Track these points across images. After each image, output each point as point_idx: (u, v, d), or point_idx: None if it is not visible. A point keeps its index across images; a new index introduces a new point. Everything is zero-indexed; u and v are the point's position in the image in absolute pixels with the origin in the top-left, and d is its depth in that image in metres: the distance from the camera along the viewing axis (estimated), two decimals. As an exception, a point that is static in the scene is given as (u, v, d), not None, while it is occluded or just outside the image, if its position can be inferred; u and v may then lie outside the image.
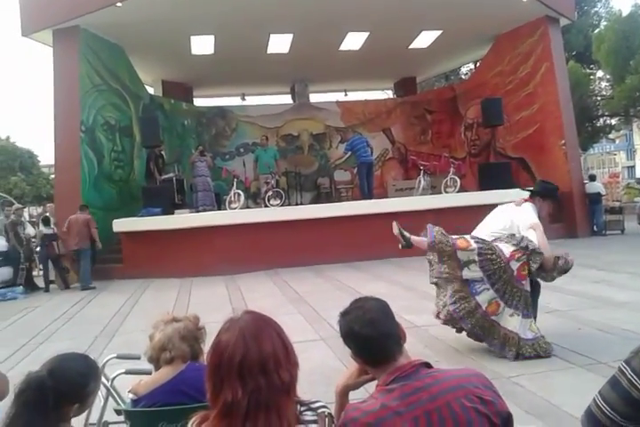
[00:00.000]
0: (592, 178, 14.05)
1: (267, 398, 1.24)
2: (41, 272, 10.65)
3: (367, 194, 11.86)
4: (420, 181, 12.39)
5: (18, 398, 1.57)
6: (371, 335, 1.54)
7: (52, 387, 1.59)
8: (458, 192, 11.78)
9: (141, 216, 10.87)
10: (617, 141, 40.52)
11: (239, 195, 11.09)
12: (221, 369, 1.28)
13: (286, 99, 19.15)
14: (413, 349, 4.33)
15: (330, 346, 4.76)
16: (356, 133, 13.52)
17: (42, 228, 10.36)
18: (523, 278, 4.13)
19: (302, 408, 1.36)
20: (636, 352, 1.30)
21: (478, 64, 18.16)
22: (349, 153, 12.39)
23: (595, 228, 13.10)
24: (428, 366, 1.55)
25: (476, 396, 1.43)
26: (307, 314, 6.28)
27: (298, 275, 9.27)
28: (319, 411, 1.37)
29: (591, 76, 23.97)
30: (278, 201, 11.36)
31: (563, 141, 12.85)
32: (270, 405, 1.25)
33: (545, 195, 4.56)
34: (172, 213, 11.03)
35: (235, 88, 18.25)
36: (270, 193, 11.48)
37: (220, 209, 12.15)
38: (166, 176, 12.22)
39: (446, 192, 11.83)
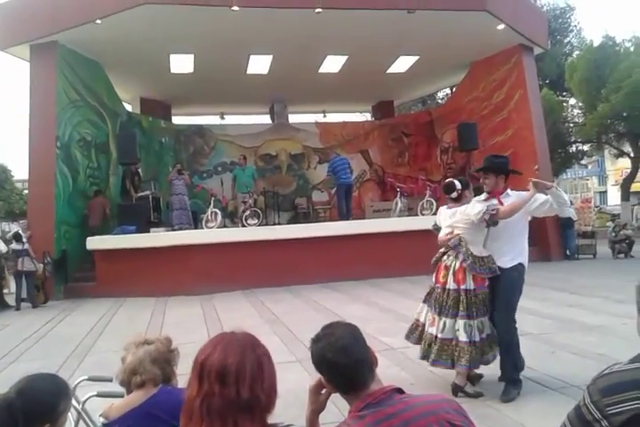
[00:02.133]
0: (565, 203, 14.32)
1: (220, 409, 1.24)
2: (12, 289, 10.40)
3: (345, 214, 11.91)
4: (397, 203, 12.50)
5: None
6: (343, 363, 1.53)
7: (21, 408, 1.56)
8: (434, 214, 11.88)
9: (116, 234, 10.73)
10: (589, 167, 41.45)
11: (216, 214, 11.03)
12: (192, 367, 1.33)
13: (265, 119, 19.28)
14: (389, 371, 4.35)
15: (305, 368, 4.71)
16: (337, 155, 13.62)
17: (13, 244, 10.15)
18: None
19: None
20: (595, 378, 1.33)
21: (454, 89, 18.54)
22: (332, 175, 12.47)
23: (567, 252, 13.30)
24: (399, 391, 1.54)
25: (448, 422, 1.43)
26: (283, 335, 6.21)
27: (275, 295, 9.21)
28: None
29: (564, 104, 24.65)
30: (256, 220, 11.32)
31: (536, 166, 13.11)
32: (226, 417, 1.24)
33: (497, 170, 4.11)
34: (148, 232, 10.91)
35: (214, 107, 18.31)
36: (248, 212, 11.44)
37: (196, 228, 12.06)
38: (142, 194, 12.12)
39: (422, 214, 11.93)
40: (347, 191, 12.22)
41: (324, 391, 1.65)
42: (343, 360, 1.53)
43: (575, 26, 26.47)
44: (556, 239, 13.11)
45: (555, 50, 22.81)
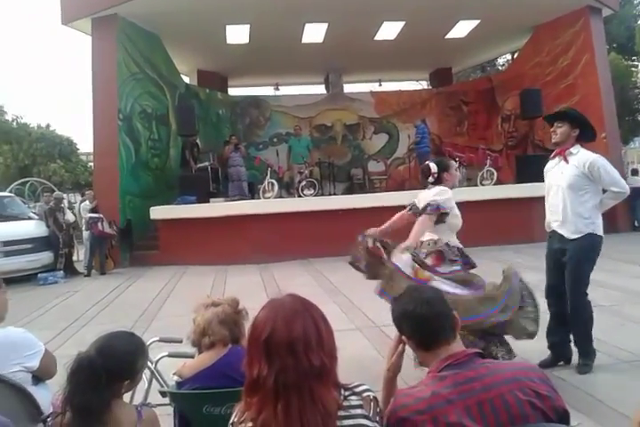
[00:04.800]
0: (634, 172, 13.70)
1: (295, 380, 1.25)
2: (80, 258, 10.87)
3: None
4: (456, 173, 12.23)
5: (71, 378, 1.62)
6: (426, 314, 1.54)
7: (102, 365, 1.63)
8: (494, 185, 11.61)
9: (177, 204, 11.02)
10: (659, 135, 39.24)
11: (273, 184, 11.12)
12: (251, 346, 1.32)
13: (320, 89, 19.11)
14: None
15: (365, 335, 4.76)
16: (422, 122, 13.76)
17: (91, 213, 10.58)
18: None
19: (346, 393, 1.35)
20: None
21: (516, 55, 17.77)
22: (419, 138, 12.64)
23: (636, 223, 12.78)
24: (481, 356, 1.53)
25: (532, 389, 1.41)
26: (342, 304, 6.27)
27: (332, 265, 9.24)
28: (364, 395, 1.36)
29: (633, 69, 23.33)
30: (312, 191, 11.35)
31: (604, 134, 12.49)
32: (302, 387, 1.25)
33: (574, 119, 3.77)
34: (207, 202, 11.14)
35: (269, 78, 18.27)
36: (304, 183, 11.48)
37: (253, 198, 12.23)
38: (201, 165, 12.34)
39: (483, 185, 11.66)
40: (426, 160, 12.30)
41: (398, 352, 1.66)
42: (426, 311, 1.54)
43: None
44: (624, 210, 12.54)
45: (624, 11, 21.44)
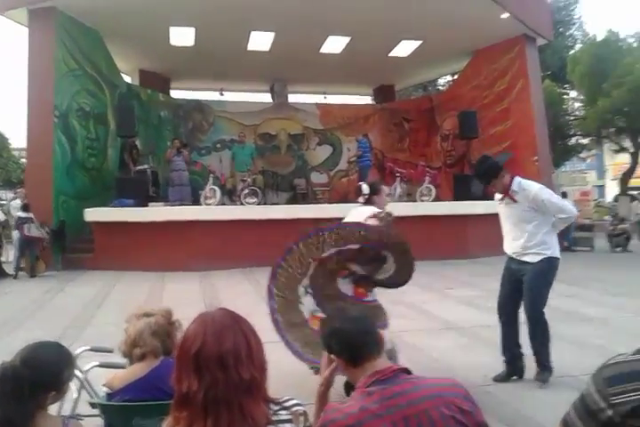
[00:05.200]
0: (564, 195, 14.39)
1: (225, 394, 1.25)
2: (10, 258, 10.39)
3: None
4: (395, 188, 12.50)
5: None
6: (351, 330, 1.61)
7: (27, 376, 1.58)
8: (433, 201, 11.94)
9: (114, 207, 10.70)
10: (588, 160, 41.43)
11: (215, 191, 11.01)
12: (181, 360, 1.30)
13: (265, 97, 19.12)
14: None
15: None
16: (363, 136, 14.05)
17: (20, 212, 10.15)
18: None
19: (276, 407, 1.36)
20: (600, 368, 1.36)
21: (456, 76, 18.43)
22: (360, 152, 12.85)
23: (565, 243, 13.41)
24: (407, 372, 1.58)
25: (456, 405, 1.46)
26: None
27: (271, 274, 9.23)
28: (293, 409, 1.37)
29: (565, 96, 24.59)
30: (254, 199, 11.32)
31: (535, 157, 13.13)
32: (232, 402, 1.25)
33: (493, 173, 3.96)
34: (146, 206, 10.87)
35: (213, 82, 18.07)
36: (246, 191, 11.44)
37: (195, 204, 12.05)
38: (140, 167, 12.04)
39: (421, 200, 11.96)
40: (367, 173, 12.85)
41: (331, 367, 1.71)
42: (352, 328, 1.62)
43: (578, 19, 26.43)
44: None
45: (557, 42, 22.63)
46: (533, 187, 3.93)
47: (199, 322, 1.34)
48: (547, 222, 3.95)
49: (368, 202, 4.03)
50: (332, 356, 1.68)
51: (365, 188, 4.04)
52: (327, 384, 1.77)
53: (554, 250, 3.97)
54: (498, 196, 4.14)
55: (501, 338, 4.12)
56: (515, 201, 3.94)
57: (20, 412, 1.54)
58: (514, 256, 4.08)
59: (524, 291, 3.97)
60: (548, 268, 3.93)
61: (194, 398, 1.25)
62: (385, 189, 4.20)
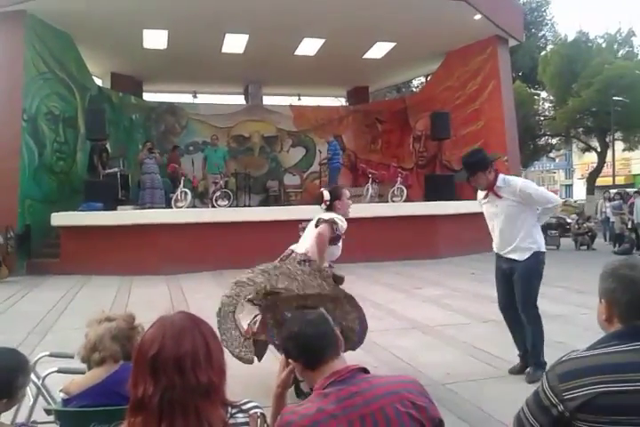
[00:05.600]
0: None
1: (182, 398, 1.24)
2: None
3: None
4: (368, 189, 12.57)
5: None
6: (309, 333, 1.60)
7: None
8: (404, 202, 12.02)
9: (82, 210, 10.55)
10: (557, 160, 42.26)
11: (186, 193, 10.93)
12: (137, 364, 1.29)
13: (239, 99, 19.05)
14: (353, 354, 4.40)
15: (270, 350, 4.74)
16: (334, 138, 14.13)
17: None
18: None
19: (233, 410, 1.35)
20: (554, 365, 1.38)
21: (429, 78, 18.60)
22: (330, 154, 12.98)
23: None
24: (364, 371, 1.58)
25: (410, 401, 1.47)
26: (248, 317, 6.23)
27: (242, 277, 9.19)
28: (251, 412, 1.37)
29: (535, 97, 25.00)
30: (226, 202, 11.27)
31: (505, 158, 13.32)
32: (187, 406, 1.24)
33: (480, 167, 4.02)
34: (115, 209, 10.75)
35: (187, 85, 18.01)
36: (218, 193, 11.38)
37: (166, 207, 11.94)
38: (110, 171, 11.90)
39: (393, 201, 12.04)
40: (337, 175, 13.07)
41: (288, 368, 1.70)
42: (309, 331, 1.60)
43: (550, 20, 26.85)
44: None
45: (529, 43, 23.06)
46: (518, 181, 4.05)
47: (158, 325, 1.32)
48: (532, 216, 4.05)
49: (330, 208, 4.06)
50: (290, 361, 1.68)
51: (326, 194, 4.07)
52: (284, 386, 1.76)
53: (540, 244, 4.08)
54: (481, 194, 4.21)
55: (512, 334, 4.25)
56: (499, 197, 4.00)
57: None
58: (502, 254, 4.15)
59: (516, 288, 4.06)
60: (536, 262, 4.03)
61: (149, 402, 1.23)
62: (346, 192, 4.21)
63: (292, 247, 4.12)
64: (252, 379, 3.60)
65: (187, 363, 1.25)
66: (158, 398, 1.23)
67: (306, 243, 4.03)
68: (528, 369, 4.07)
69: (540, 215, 4.11)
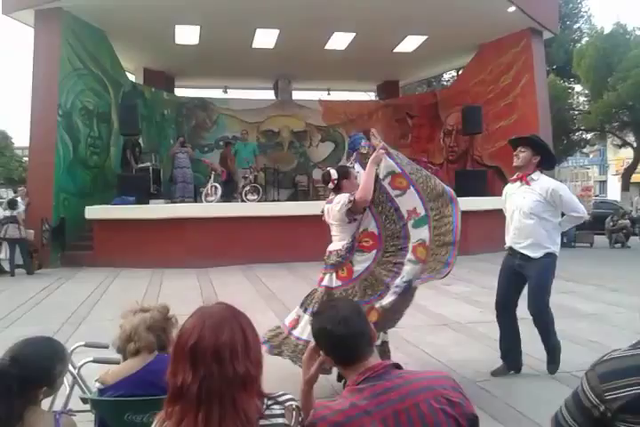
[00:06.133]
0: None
1: (219, 388, 1.25)
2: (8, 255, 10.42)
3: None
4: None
5: None
6: (343, 334, 1.55)
7: (15, 374, 1.57)
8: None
9: (115, 204, 10.73)
10: (591, 156, 41.28)
11: (216, 188, 11.03)
12: (177, 353, 1.30)
13: (269, 94, 19.09)
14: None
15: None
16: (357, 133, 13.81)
17: (5, 210, 10.15)
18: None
19: (269, 402, 1.36)
20: (594, 364, 1.34)
21: (461, 71, 18.34)
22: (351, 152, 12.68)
23: (564, 239, 13.34)
24: (398, 367, 1.57)
25: (444, 397, 1.45)
26: (278, 311, 6.24)
27: (271, 271, 9.25)
28: (287, 404, 1.37)
29: (570, 90, 24.40)
30: (255, 196, 11.33)
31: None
32: (225, 395, 1.25)
33: (538, 146, 4.00)
34: (147, 203, 10.91)
35: (217, 80, 18.12)
36: (248, 188, 11.45)
37: (196, 201, 12.06)
38: (142, 165, 12.08)
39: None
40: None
41: (316, 362, 1.68)
42: (343, 331, 1.55)
43: (586, 12, 26.07)
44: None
45: (564, 35, 22.48)
46: (553, 181, 3.99)
47: (197, 316, 1.35)
48: (556, 218, 3.97)
49: (337, 187, 3.86)
50: (322, 352, 1.65)
51: (334, 172, 3.86)
52: (311, 383, 1.72)
53: (556, 247, 3.98)
54: (511, 187, 4.14)
55: (501, 333, 4.12)
56: (529, 185, 3.93)
57: (7, 409, 1.53)
58: (515, 247, 4.04)
59: (530, 287, 3.96)
60: (550, 263, 3.94)
61: (187, 391, 1.25)
62: (354, 172, 3.99)
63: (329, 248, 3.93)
64: (283, 372, 3.60)
65: (225, 353, 1.27)
66: (197, 388, 1.24)
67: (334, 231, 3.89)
68: (548, 363, 4.02)
69: (563, 221, 4.02)
